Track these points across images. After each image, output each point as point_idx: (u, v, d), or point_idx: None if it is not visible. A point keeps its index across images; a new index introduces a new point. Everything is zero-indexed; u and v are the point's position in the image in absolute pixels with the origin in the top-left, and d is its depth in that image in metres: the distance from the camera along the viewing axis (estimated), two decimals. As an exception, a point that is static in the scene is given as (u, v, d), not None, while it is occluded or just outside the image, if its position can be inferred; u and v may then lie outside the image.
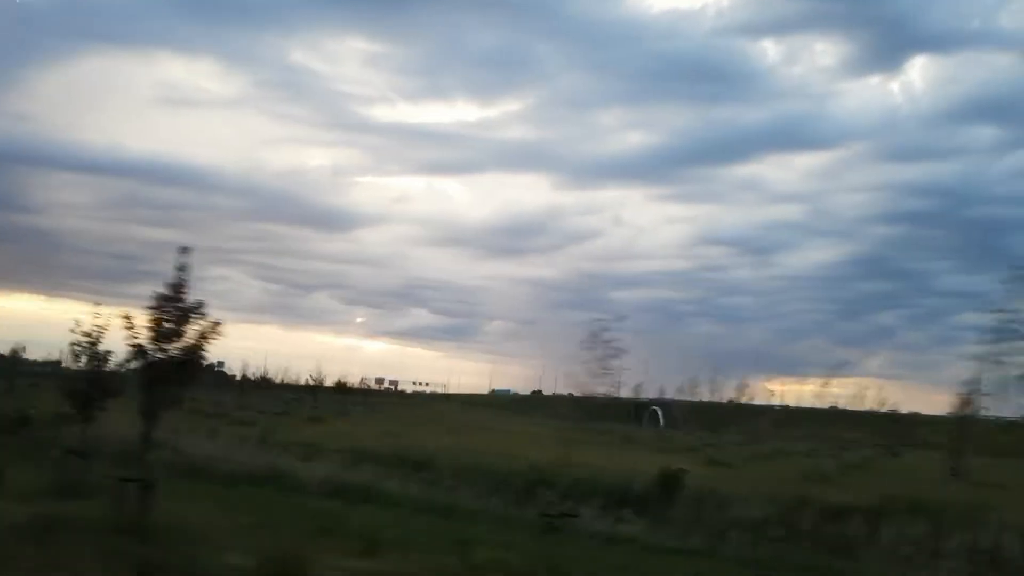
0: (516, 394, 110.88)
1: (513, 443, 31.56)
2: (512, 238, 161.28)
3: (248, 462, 20.54)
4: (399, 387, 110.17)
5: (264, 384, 76.53)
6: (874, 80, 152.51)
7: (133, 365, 16.69)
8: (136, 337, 15.90)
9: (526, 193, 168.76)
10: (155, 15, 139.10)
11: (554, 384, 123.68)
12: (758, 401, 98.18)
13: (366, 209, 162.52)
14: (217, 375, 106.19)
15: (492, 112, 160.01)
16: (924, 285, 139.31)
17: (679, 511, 19.03)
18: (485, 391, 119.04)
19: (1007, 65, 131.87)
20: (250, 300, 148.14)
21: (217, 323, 16.38)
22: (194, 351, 16.43)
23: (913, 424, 79.47)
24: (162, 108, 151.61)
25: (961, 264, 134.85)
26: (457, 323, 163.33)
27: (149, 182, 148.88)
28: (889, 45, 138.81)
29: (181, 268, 16.10)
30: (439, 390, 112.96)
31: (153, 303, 15.85)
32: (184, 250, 16.25)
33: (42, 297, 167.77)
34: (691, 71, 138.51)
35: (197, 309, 16.05)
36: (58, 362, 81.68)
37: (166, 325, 15.86)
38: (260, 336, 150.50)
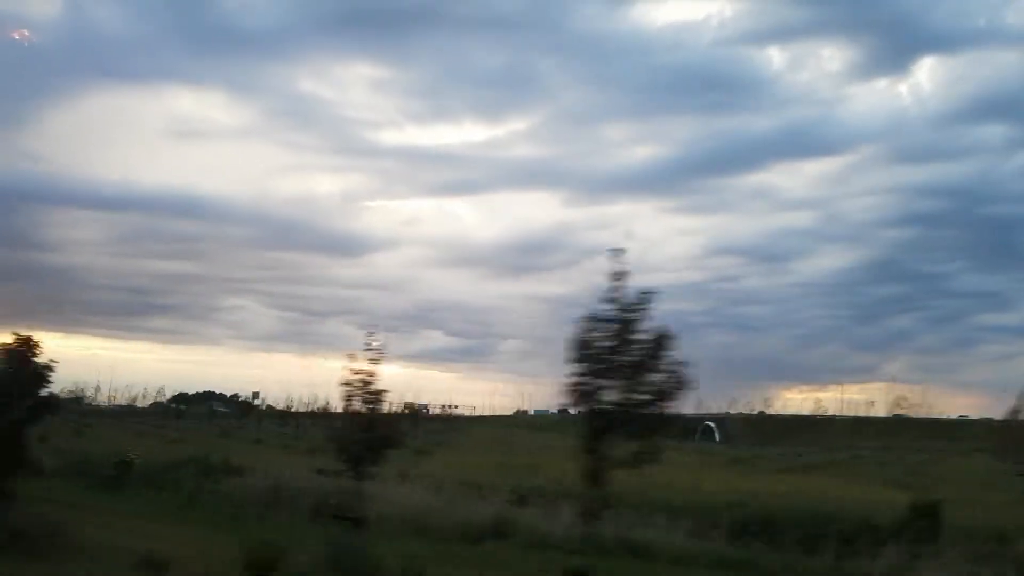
0: (556, 414, 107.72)
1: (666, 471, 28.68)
2: (523, 256, 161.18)
3: (471, 512, 17.56)
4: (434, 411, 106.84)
5: (315, 415, 73.40)
6: (881, 83, 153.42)
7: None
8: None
9: (536, 211, 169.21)
10: (162, 49, 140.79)
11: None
12: (804, 411, 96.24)
13: (377, 233, 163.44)
14: (242, 405, 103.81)
15: (499, 131, 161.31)
16: (940, 287, 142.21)
17: (951, 548, 16.37)
18: (510, 411, 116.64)
19: (1015, 62, 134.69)
20: (265, 329, 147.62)
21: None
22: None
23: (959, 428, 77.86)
24: (172, 141, 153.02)
25: (976, 264, 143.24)
26: (471, 344, 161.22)
27: (161, 215, 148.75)
28: (895, 48, 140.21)
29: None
30: (467, 412, 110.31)
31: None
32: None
33: (59, 334, 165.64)
34: (697, 82, 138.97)
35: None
36: (80, 399, 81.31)
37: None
38: (275, 365, 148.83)
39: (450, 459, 32.01)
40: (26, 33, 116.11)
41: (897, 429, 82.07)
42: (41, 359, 11.71)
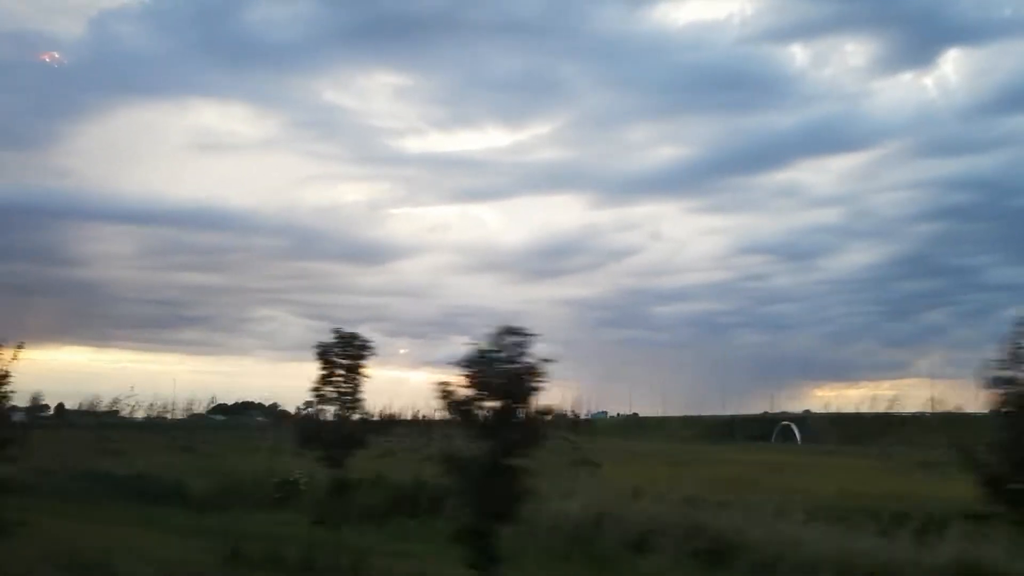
0: (615, 417, 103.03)
1: (821, 478, 23.51)
2: (549, 260, 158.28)
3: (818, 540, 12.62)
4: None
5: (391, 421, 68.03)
6: (907, 77, 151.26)
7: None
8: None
9: (561, 214, 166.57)
10: (186, 63, 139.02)
11: (628, 404, 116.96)
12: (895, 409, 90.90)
13: (403, 240, 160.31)
14: (280, 415, 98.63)
15: (522, 136, 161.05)
16: (971, 280, 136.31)
17: None
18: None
19: None
20: (295, 339, 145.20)
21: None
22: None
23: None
24: (197, 154, 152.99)
25: (1008, 256, 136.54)
26: None
27: (188, 228, 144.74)
28: (920, 40, 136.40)
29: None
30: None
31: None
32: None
33: (90, 349, 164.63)
34: (720, 81, 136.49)
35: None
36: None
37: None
38: (306, 375, 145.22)
39: (621, 471, 26.67)
40: (56, 55, 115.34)
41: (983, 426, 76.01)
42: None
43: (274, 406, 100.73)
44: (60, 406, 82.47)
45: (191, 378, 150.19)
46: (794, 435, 79.86)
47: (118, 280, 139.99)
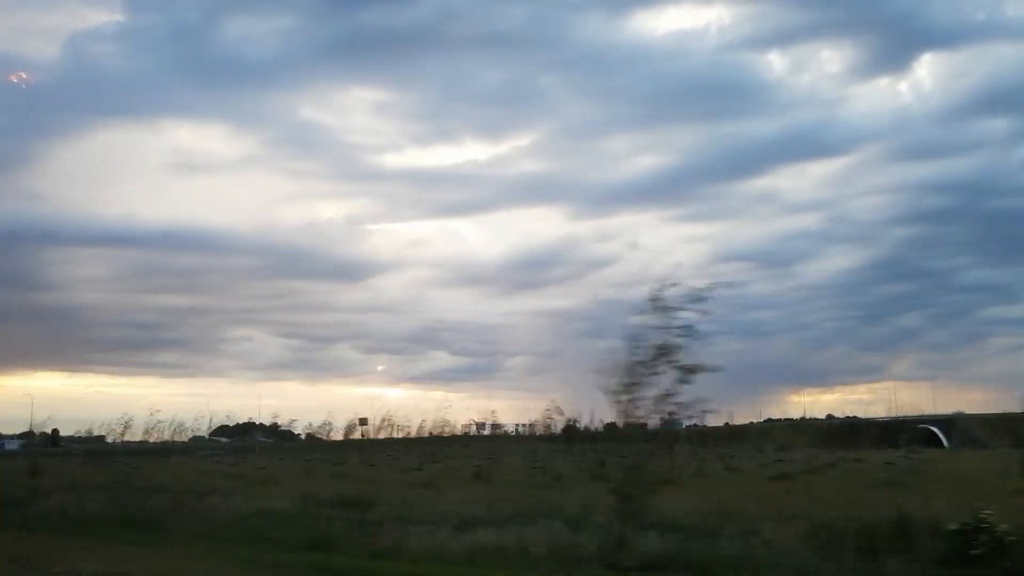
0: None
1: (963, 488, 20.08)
2: (528, 272, 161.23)
3: None
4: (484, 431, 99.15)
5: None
6: (883, 82, 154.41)
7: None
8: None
9: (540, 226, 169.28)
10: (161, 84, 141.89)
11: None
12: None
13: (381, 257, 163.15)
14: (283, 434, 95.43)
15: (502, 149, 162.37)
16: (947, 282, 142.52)
17: None
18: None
19: (1015, 55, 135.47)
20: (272, 358, 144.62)
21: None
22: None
23: None
24: (174, 175, 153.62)
25: (983, 258, 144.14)
26: (478, 362, 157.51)
27: (165, 250, 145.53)
28: (895, 46, 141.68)
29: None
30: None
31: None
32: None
33: (64, 373, 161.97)
34: (699, 89, 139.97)
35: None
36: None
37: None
38: (283, 393, 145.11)
39: (701, 489, 23.27)
40: (24, 75, 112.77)
41: None
42: None
43: (275, 426, 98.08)
44: (55, 433, 79.17)
45: (165, 400, 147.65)
46: (939, 440, 73.91)
47: (93, 304, 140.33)
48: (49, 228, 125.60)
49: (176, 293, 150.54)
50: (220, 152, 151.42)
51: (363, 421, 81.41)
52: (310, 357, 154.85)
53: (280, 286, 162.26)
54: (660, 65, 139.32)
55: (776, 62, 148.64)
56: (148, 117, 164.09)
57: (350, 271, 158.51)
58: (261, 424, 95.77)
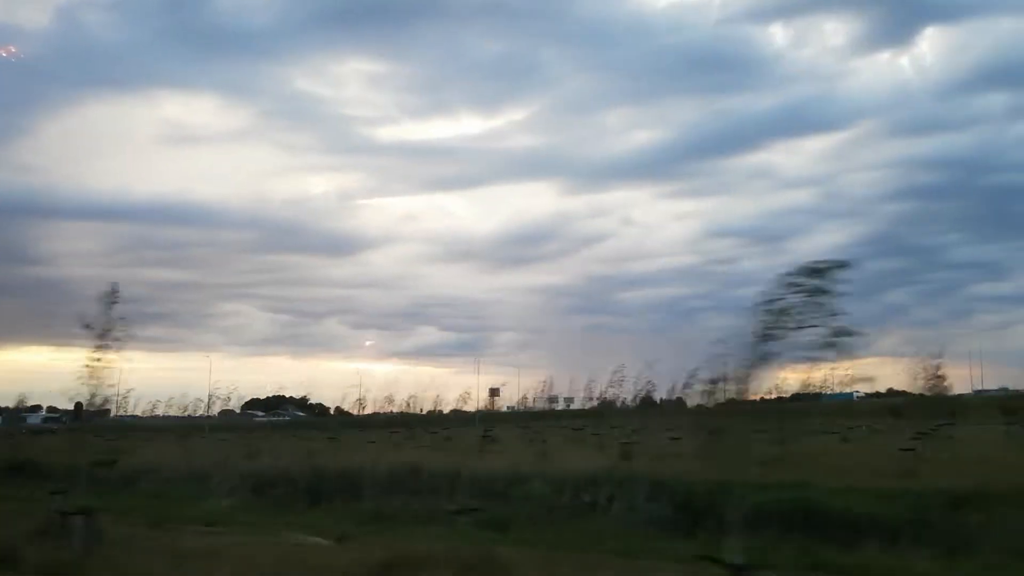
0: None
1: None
2: (520, 248, 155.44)
3: None
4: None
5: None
6: (884, 56, 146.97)
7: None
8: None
9: (533, 201, 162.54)
10: (153, 55, 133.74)
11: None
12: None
13: (373, 231, 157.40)
14: (313, 409, 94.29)
15: (498, 122, 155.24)
16: (935, 259, 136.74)
17: None
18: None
19: (1016, 30, 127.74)
20: (260, 333, 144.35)
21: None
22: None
23: None
24: (166, 148, 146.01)
25: (973, 235, 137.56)
26: (467, 338, 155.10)
27: (156, 223, 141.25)
28: (899, 19, 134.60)
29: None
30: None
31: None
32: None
33: (50, 348, 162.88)
34: (700, 63, 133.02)
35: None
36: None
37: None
38: (270, 368, 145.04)
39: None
40: (12, 49, 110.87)
41: None
42: None
43: (304, 400, 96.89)
44: (79, 406, 78.19)
45: (151, 375, 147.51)
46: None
47: (81, 277, 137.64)
48: (39, 202, 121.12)
49: (165, 267, 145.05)
50: (212, 124, 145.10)
51: (494, 392, 75.60)
52: (298, 332, 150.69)
53: (270, 260, 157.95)
54: (661, 38, 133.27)
55: (778, 35, 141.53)
56: (140, 88, 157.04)
57: (340, 246, 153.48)
58: (291, 398, 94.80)
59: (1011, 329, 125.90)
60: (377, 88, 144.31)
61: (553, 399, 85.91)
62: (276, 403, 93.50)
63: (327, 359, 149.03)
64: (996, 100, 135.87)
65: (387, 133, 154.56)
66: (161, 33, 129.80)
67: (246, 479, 19.32)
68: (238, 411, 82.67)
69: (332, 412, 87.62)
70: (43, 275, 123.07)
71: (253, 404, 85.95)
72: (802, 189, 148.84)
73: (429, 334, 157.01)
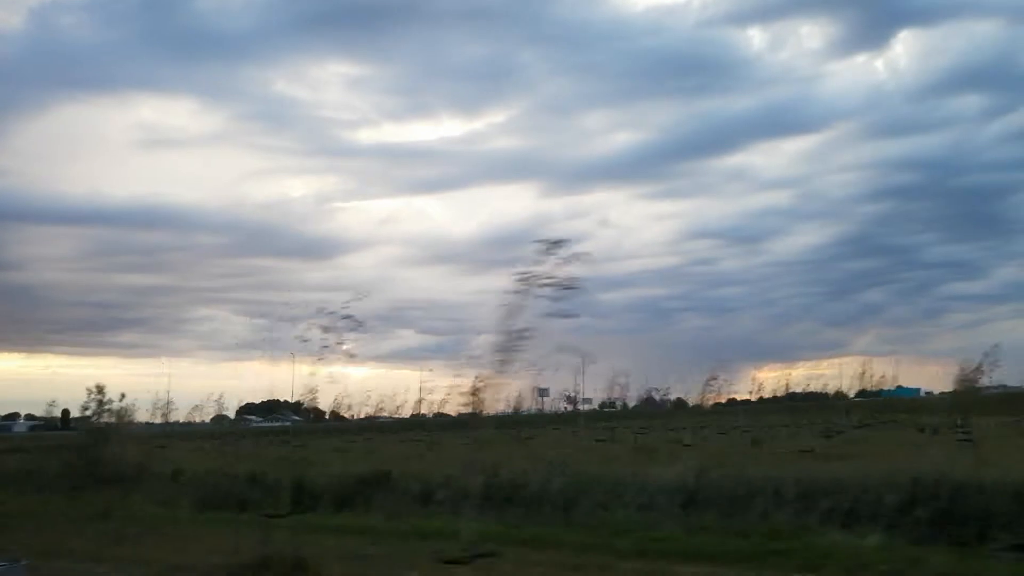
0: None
1: None
2: (499, 250, 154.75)
3: None
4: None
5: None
6: (860, 59, 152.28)
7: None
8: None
9: (512, 204, 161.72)
10: (129, 58, 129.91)
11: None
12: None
13: (351, 235, 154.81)
14: (308, 413, 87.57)
15: (477, 125, 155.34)
16: (910, 259, 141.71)
17: None
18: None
19: (989, 32, 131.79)
20: (235, 338, 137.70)
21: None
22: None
23: None
24: (141, 151, 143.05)
25: (947, 235, 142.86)
26: (444, 341, 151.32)
27: (130, 227, 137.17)
28: (874, 22, 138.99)
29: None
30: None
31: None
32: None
33: (21, 355, 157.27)
34: (678, 66, 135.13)
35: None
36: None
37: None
38: (245, 373, 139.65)
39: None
40: None
41: None
42: None
43: (298, 404, 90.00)
44: (65, 413, 71.63)
45: (124, 381, 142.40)
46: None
47: (54, 283, 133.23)
48: (11, 204, 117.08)
49: (139, 272, 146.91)
50: (189, 127, 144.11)
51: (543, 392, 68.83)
52: (273, 336, 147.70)
53: (246, 264, 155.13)
54: (641, 41, 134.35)
55: (756, 38, 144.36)
56: (116, 90, 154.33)
57: (318, 249, 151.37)
58: (285, 401, 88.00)
59: (983, 327, 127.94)
60: (357, 91, 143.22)
61: (572, 399, 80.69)
62: (272, 408, 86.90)
63: (301, 363, 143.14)
64: (970, 102, 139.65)
65: (366, 136, 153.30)
66: (138, 35, 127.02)
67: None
68: (232, 416, 76.10)
69: (327, 417, 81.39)
70: (13, 280, 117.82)
71: (248, 409, 79.23)
72: (779, 190, 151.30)
73: (406, 337, 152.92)
